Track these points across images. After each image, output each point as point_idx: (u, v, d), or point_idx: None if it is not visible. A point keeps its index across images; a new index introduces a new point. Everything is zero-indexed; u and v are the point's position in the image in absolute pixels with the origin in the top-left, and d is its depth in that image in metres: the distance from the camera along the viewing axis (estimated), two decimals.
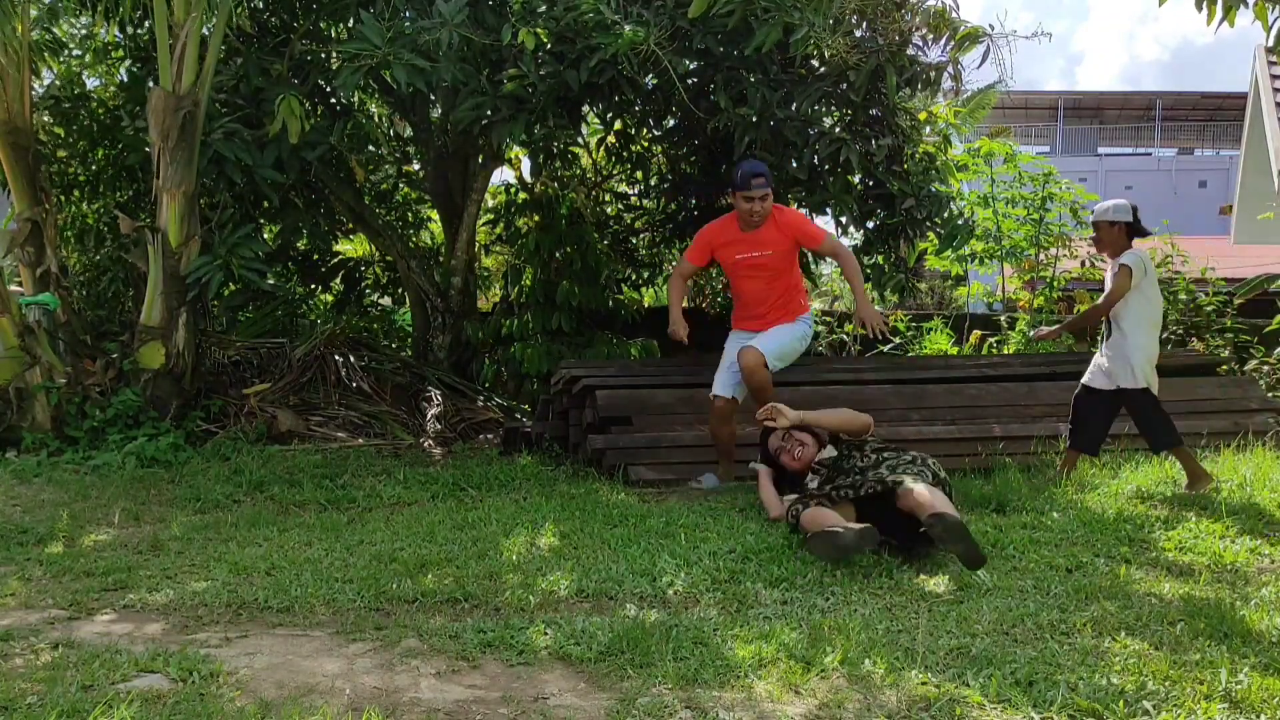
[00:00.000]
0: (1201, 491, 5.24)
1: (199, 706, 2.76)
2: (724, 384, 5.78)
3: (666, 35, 6.53)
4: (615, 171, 10.93)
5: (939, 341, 11.98)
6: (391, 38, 6.58)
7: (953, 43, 6.82)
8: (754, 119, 6.91)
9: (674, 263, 11.84)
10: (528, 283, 9.05)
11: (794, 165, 7.22)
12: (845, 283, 5.89)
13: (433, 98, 8.68)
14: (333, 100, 8.54)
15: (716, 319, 11.27)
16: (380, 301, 11.26)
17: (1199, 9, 4.69)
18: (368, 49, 6.53)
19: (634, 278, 11.27)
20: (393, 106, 9.96)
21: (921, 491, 4.07)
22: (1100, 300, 5.58)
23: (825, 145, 7.01)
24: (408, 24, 6.76)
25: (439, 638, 3.31)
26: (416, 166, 10.78)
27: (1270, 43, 4.87)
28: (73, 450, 6.89)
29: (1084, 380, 5.65)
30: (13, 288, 8.02)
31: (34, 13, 8.39)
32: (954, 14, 6.80)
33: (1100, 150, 37.26)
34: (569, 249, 8.86)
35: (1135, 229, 5.48)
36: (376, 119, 10.43)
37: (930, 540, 4.03)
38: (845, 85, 7.17)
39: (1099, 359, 5.59)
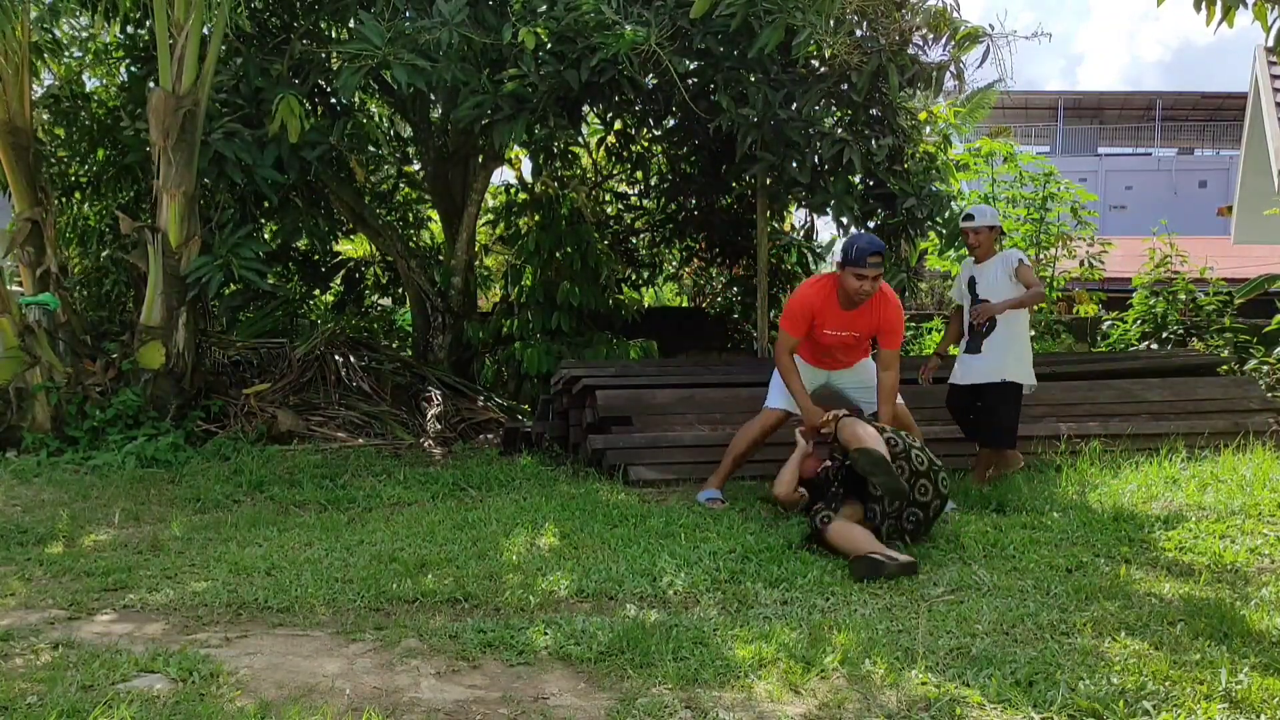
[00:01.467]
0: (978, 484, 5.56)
1: (199, 706, 2.76)
2: (782, 400, 5.43)
3: (667, 35, 6.53)
4: (615, 171, 10.94)
5: (939, 342, 11.96)
6: (392, 38, 6.57)
7: (953, 43, 6.82)
8: (755, 120, 6.91)
9: (674, 263, 11.90)
10: (528, 283, 9.05)
11: (795, 166, 7.22)
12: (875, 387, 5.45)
13: (433, 98, 8.68)
14: (333, 100, 8.55)
15: (716, 319, 11.29)
16: (380, 301, 11.26)
17: (1198, 9, 4.68)
18: (368, 49, 6.52)
19: (634, 278, 11.29)
20: (393, 106, 9.97)
21: (855, 432, 4.44)
22: (1032, 291, 5.67)
23: (827, 146, 7.00)
24: (408, 24, 6.76)
25: (439, 638, 3.31)
26: (416, 166, 10.79)
27: (1270, 43, 4.86)
28: (73, 450, 6.89)
29: (959, 381, 5.83)
30: (13, 288, 8.02)
31: (34, 13, 8.38)
32: (954, 14, 6.81)
33: (1100, 150, 37.25)
34: (569, 249, 8.86)
35: (1002, 232, 6.10)
36: (376, 119, 10.44)
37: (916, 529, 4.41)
38: (846, 85, 7.17)
39: (973, 357, 5.76)
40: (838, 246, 6.07)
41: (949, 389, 5.90)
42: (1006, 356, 5.67)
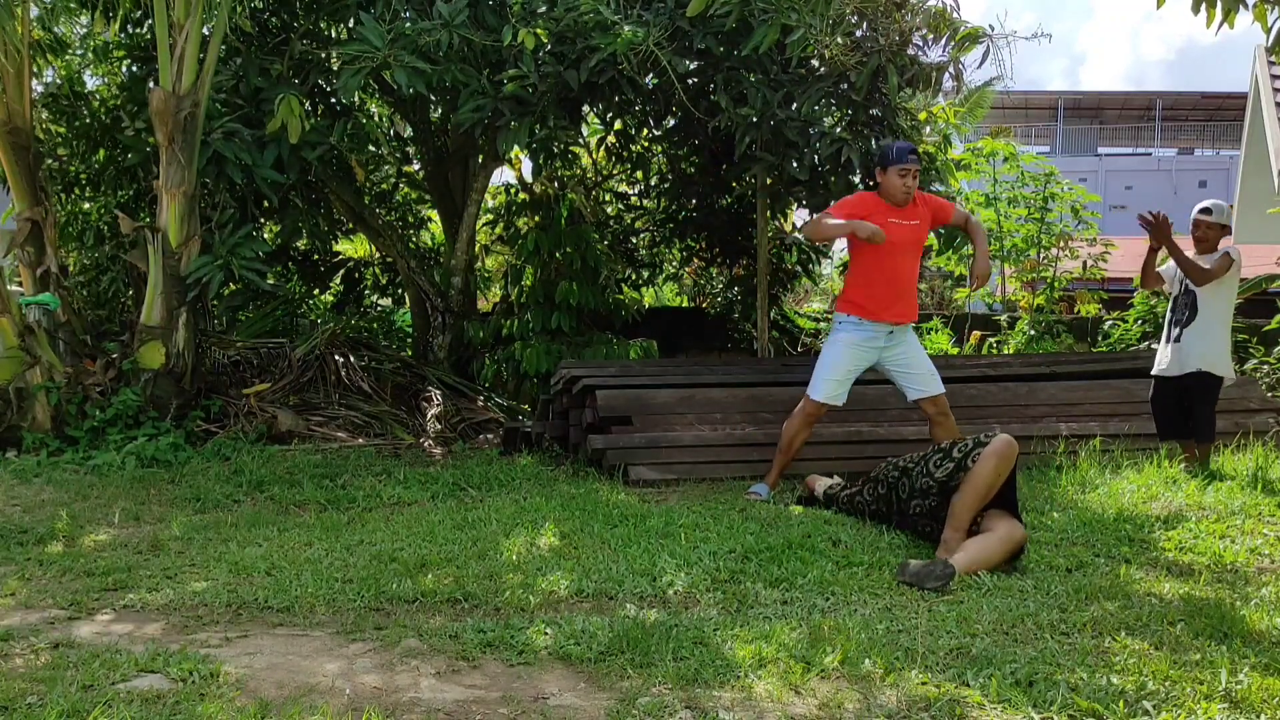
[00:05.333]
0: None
1: (199, 706, 2.76)
2: (826, 391, 5.57)
3: (666, 35, 6.53)
4: (615, 171, 10.94)
5: (939, 341, 11.99)
6: (392, 39, 6.57)
7: (953, 43, 6.82)
8: (754, 119, 6.91)
9: (674, 263, 11.92)
10: (528, 283, 9.05)
11: (795, 166, 7.22)
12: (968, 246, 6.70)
13: (433, 98, 8.68)
14: (333, 100, 8.55)
15: (716, 319, 11.29)
16: (380, 301, 11.26)
17: (1196, 11, 4.67)
18: (368, 51, 6.52)
19: (634, 278, 11.29)
20: (393, 106, 9.97)
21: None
22: (1204, 266, 5.79)
23: (826, 145, 7.00)
24: (408, 25, 6.75)
25: (439, 638, 3.31)
26: (416, 166, 10.79)
27: (1269, 44, 4.86)
28: (73, 450, 6.89)
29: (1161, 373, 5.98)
30: (13, 288, 8.01)
31: (35, 12, 8.39)
32: (954, 14, 6.81)
33: (1100, 150, 37.28)
34: (569, 249, 8.86)
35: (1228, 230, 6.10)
36: (377, 119, 10.44)
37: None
38: (846, 85, 7.17)
39: (1175, 346, 5.89)
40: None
41: (1154, 382, 6.04)
42: (1212, 349, 5.80)
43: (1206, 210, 5.98)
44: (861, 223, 5.36)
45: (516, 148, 7.96)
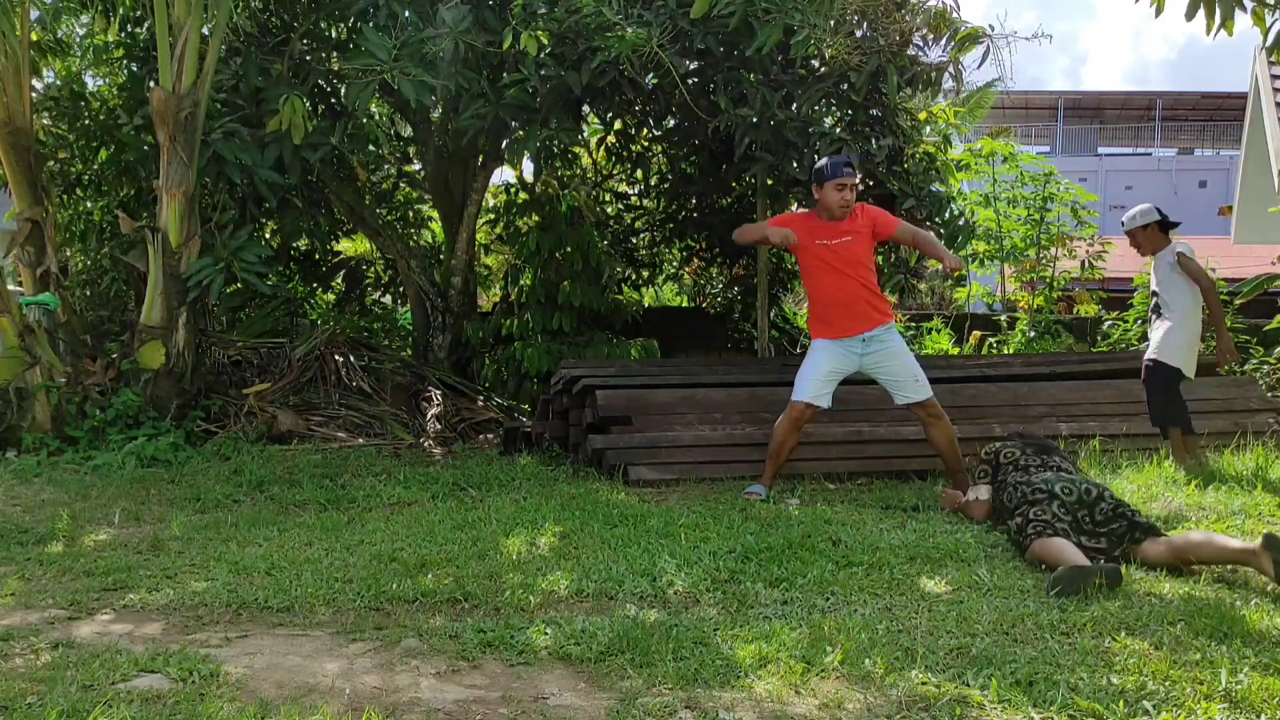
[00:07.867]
0: (1188, 465, 5.75)
1: (199, 706, 2.76)
2: (810, 391, 5.56)
3: (668, 36, 6.53)
4: (615, 171, 10.94)
5: (939, 341, 11.99)
6: (397, 54, 6.54)
7: (953, 43, 6.82)
8: (754, 120, 6.91)
9: (674, 263, 11.93)
10: (528, 282, 9.05)
11: (794, 166, 7.22)
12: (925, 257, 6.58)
13: (433, 98, 8.68)
14: (333, 100, 8.55)
15: (716, 319, 11.29)
16: (381, 301, 11.26)
17: (1189, 18, 4.66)
18: (374, 63, 6.50)
19: (634, 278, 11.29)
20: (393, 107, 9.97)
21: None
22: (1209, 299, 6.01)
23: (826, 146, 7.01)
24: (411, 32, 6.73)
25: (439, 638, 3.31)
26: (417, 166, 10.79)
27: (1268, 44, 4.86)
28: (73, 450, 6.89)
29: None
30: (13, 288, 8.01)
31: (35, 12, 8.38)
32: (954, 14, 6.81)
33: (1100, 150, 37.29)
34: (569, 249, 8.86)
35: (1166, 224, 6.15)
36: (377, 118, 10.44)
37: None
38: (846, 85, 7.17)
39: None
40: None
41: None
42: (1163, 339, 6.01)
43: (1122, 224, 6.28)
44: (774, 229, 5.59)
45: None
